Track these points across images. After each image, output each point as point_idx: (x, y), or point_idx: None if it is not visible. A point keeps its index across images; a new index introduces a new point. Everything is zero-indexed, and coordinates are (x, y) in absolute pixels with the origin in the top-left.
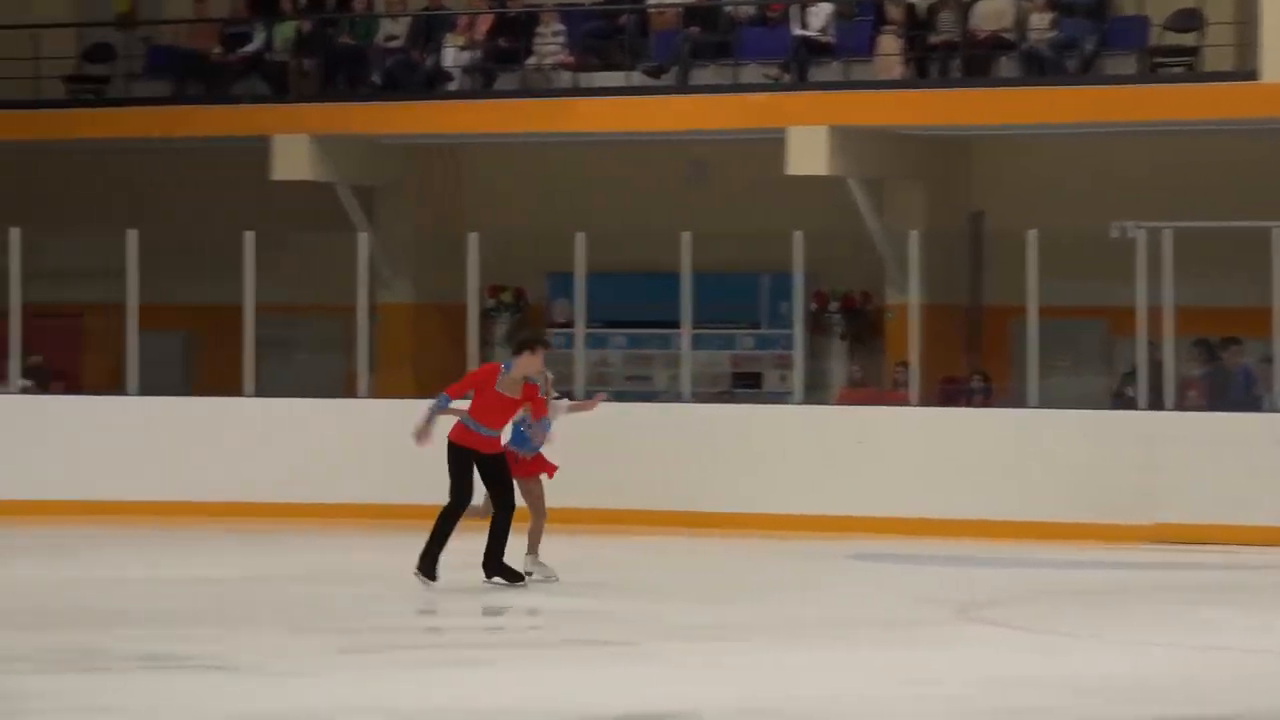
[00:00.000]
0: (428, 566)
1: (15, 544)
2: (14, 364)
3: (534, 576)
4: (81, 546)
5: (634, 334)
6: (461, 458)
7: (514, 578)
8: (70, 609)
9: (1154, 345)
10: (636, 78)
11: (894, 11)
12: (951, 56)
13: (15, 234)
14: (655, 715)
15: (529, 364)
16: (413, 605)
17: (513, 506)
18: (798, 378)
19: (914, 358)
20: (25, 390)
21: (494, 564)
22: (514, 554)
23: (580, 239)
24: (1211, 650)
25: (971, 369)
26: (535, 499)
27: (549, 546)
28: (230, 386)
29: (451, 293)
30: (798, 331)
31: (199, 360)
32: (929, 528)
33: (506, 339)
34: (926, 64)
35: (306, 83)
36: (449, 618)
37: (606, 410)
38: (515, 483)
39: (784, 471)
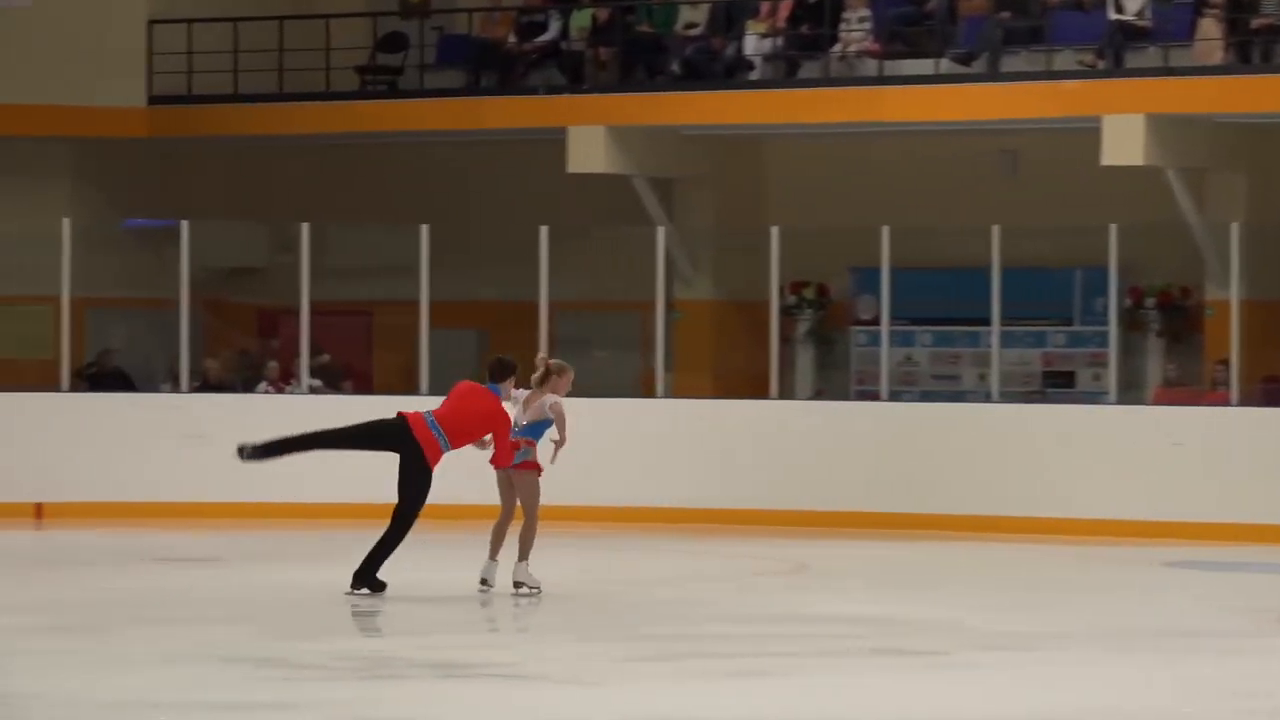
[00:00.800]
0: (373, 581)
1: (306, 549)
2: (303, 363)
3: (521, 589)
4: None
5: (941, 331)
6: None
7: (379, 587)
8: (356, 616)
9: None
10: (945, 65)
11: None
12: (1275, 41)
13: (304, 229)
14: None
15: (508, 389)
16: (705, 611)
17: (410, 526)
18: (1112, 377)
19: (1234, 356)
20: (314, 390)
21: (368, 576)
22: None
23: (885, 233)
24: None
25: None
26: (532, 498)
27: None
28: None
29: (752, 288)
30: (1112, 329)
31: None
32: (1249, 533)
33: (807, 336)
34: (1249, 49)
35: (603, 73)
36: (743, 625)
37: (912, 411)
38: (510, 477)
39: (1097, 474)
